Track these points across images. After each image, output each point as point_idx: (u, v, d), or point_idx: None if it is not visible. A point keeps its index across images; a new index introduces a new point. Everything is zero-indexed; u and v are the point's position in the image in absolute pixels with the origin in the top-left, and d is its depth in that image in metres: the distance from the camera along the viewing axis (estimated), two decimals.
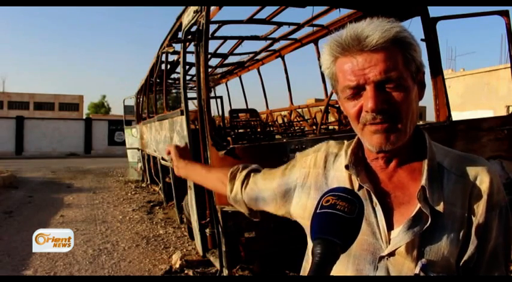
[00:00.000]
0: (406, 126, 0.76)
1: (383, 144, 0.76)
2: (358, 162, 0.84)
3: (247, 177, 1.08)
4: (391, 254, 0.76)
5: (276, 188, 0.99)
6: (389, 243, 0.77)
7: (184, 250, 4.44)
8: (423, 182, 0.76)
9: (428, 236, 0.75)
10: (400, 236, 0.76)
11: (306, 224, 0.90)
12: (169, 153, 1.32)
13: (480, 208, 0.76)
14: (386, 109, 0.74)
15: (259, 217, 1.13)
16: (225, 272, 2.98)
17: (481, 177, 0.77)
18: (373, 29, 0.73)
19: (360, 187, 0.81)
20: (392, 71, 0.73)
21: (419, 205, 0.75)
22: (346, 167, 0.84)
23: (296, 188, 0.95)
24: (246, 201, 1.07)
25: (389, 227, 0.78)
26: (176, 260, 3.91)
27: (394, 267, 0.76)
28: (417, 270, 0.74)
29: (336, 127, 5.77)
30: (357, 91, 0.76)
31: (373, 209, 0.79)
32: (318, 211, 0.65)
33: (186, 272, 3.75)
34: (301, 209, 0.92)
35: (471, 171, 0.78)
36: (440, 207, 0.75)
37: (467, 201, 0.77)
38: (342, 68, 0.77)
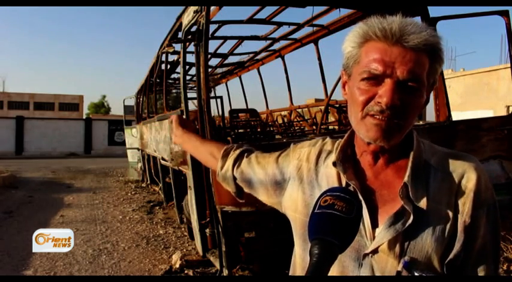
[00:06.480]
0: (406, 129, 0.77)
1: (379, 138, 0.75)
2: (346, 160, 0.84)
3: (240, 156, 1.09)
4: (375, 251, 0.76)
5: (268, 175, 0.99)
6: (373, 241, 0.77)
7: (184, 250, 4.44)
8: (406, 179, 0.76)
9: (412, 233, 0.75)
10: (382, 233, 0.76)
11: (294, 216, 0.91)
12: (171, 121, 1.35)
13: (466, 206, 0.75)
14: (398, 107, 0.73)
15: (244, 198, 1.13)
16: (225, 272, 2.98)
17: (468, 175, 0.77)
18: (421, 29, 0.73)
19: (348, 184, 0.81)
20: (418, 75, 0.73)
21: (402, 202, 0.75)
22: (334, 164, 0.84)
23: (289, 180, 0.95)
24: (237, 180, 1.07)
25: (375, 224, 0.78)
26: (176, 260, 3.91)
27: (378, 264, 0.76)
28: (400, 268, 0.74)
29: (336, 127, 5.77)
30: (376, 79, 0.74)
31: None
32: (315, 211, 0.65)
33: (186, 272, 3.75)
34: (293, 202, 0.92)
35: (458, 168, 0.78)
36: (423, 205, 0.75)
37: (454, 199, 0.76)
38: (371, 52, 0.75)
